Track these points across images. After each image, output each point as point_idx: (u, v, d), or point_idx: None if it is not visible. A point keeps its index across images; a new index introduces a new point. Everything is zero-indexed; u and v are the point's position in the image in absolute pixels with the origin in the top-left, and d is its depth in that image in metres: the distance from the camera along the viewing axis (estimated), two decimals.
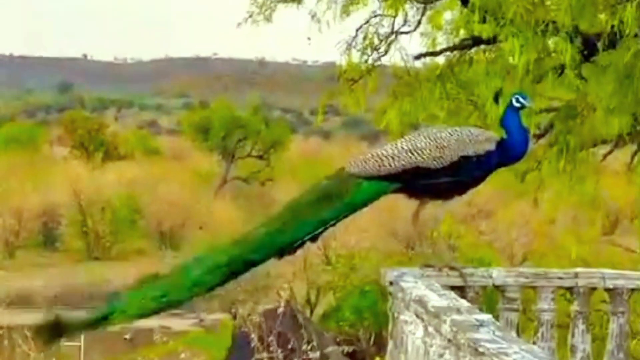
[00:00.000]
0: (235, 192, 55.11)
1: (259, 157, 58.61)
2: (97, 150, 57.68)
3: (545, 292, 8.73)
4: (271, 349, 11.37)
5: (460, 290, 8.17)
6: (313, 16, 13.90)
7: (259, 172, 57.63)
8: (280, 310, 12.17)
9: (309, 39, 14.42)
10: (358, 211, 7.49)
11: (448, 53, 13.99)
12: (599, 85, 12.75)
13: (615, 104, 12.63)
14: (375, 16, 13.97)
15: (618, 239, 30.81)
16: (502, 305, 8.63)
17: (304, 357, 11.98)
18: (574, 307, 8.86)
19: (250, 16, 14.70)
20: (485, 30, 12.69)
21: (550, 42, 12.90)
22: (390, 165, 7.47)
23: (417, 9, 13.90)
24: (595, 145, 14.36)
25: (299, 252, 7.58)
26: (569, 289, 8.91)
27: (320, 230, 7.39)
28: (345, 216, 7.43)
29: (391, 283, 8.09)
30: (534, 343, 8.53)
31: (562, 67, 12.80)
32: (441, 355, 6.53)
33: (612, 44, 12.44)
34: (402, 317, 7.78)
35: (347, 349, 19.82)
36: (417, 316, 7.22)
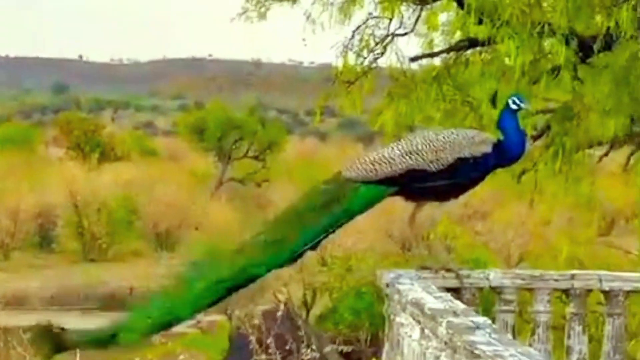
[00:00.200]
0: (232, 193, 55.01)
1: (255, 158, 58.54)
2: (93, 151, 57.55)
3: (541, 294, 8.73)
4: (270, 350, 11.36)
5: (457, 292, 8.17)
6: (308, 17, 13.90)
7: (255, 173, 57.54)
8: (279, 311, 12.16)
9: (304, 40, 14.42)
10: (358, 216, 7.48)
11: (444, 54, 14.00)
12: (595, 86, 12.76)
13: (611, 105, 12.65)
14: (371, 18, 13.97)
15: (614, 240, 30.80)
16: (498, 307, 8.63)
17: (303, 358, 11.96)
18: (570, 308, 8.86)
19: (245, 12, 14.67)
20: (481, 32, 12.70)
21: (546, 43, 12.91)
22: (387, 169, 7.45)
23: (413, 10, 13.90)
24: (591, 146, 14.38)
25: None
26: (565, 291, 8.91)
27: (320, 238, 7.38)
28: (345, 222, 7.42)
29: (387, 285, 8.08)
30: (530, 345, 8.52)
31: (558, 69, 12.81)
32: (437, 358, 6.53)
33: (608, 46, 12.46)
34: (398, 319, 7.78)
35: (345, 348, 19.81)
36: (414, 318, 7.22)
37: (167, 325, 7.21)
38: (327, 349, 18.88)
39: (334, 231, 7.40)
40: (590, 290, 8.90)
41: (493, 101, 7.68)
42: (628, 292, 8.91)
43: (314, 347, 11.87)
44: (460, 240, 28.97)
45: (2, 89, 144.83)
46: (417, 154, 7.47)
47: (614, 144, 14.60)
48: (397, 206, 8.04)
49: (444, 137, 7.56)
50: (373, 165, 7.47)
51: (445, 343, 6.28)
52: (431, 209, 7.90)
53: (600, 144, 14.53)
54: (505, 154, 7.71)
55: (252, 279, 7.29)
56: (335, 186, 7.50)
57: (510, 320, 8.60)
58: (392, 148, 7.56)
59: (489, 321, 6.46)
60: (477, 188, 7.97)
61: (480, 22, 12.64)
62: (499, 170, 8.17)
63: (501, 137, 7.71)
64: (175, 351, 12.48)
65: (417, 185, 7.54)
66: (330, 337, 25.35)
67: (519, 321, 8.98)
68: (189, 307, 7.20)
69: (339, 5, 13.71)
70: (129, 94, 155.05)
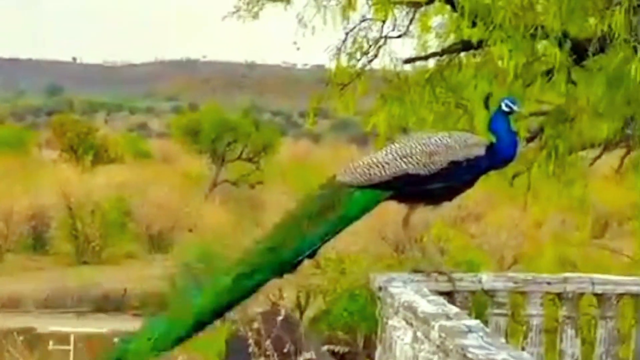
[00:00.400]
0: (225, 195, 54.94)
1: (249, 160, 58.48)
2: (86, 153, 57.46)
3: (534, 297, 8.73)
4: (268, 352, 11.34)
5: (449, 295, 8.17)
6: (300, 20, 13.90)
7: (248, 175, 57.47)
8: (276, 313, 12.14)
9: (295, 43, 14.42)
10: (355, 222, 7.49)
11: (438, 57, 14.01)
12: (588, 89, 12.77)
13: (604, 108, 12.66)
14: (364, 20, 13.98)
15: (608, 243, 30.86)
16: (491, 310, 8.63)
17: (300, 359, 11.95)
18: (563, 312, 8.87)
19: (237, 11, 14.65)
20: (474, 35, 12.71)
21: (540, 46, 12.93)
22: (381, 173, 7.45)
23: (407, 13, 13.91)
24: (584, 149, 14.40)
25: None
26: (558, 295, 8.91)
27: (318, 246, 7.39)
28: (343, 228, 7.42)
29: (380, 288, 8.08)
30: (523, 348, 8.54)
31: (552, 71, 12.82)
32: None
33: (601, 49, 12.47)
34: (391, 322, 7.78)
35: (341, 349, 19.80)
36: (406, 322, 7.22)
37: (172, 345, 7.22)
38: (324, 348, 18.86)
39: (330, 238, 7.41)
40: (582, 294, 8.91)
41: (486, 104, 7.68)
42: (620, 295, 8.92)
43: (312, 352, 11.86)
44: (453, 242, 28.99)
45: None
46: (411, 157, 7.48)
47: (607, 146, 14.63)
48: (390, 209, 8.04)
49: (437, 141, 7.56)
50: (367, 169, 7.47)
51: (438, 346, 6.28)
52: (425, 212, 7.91)
53: (593, 146, 14.55)
54: (497, 156, 7.72)
55: (252, 291, 7.31)
56: (330, 192, 7.50)
57: (502, 323, 8.60)
58: (386, 152, 7.56)
59: (482, 324, 6.46)
60: (471, 190, 7.98)
61: (473, 24, 12.64)
62: (493, 173, 8.18)
63: (493, 140, 7.72)
64: (174, 353, 12.50)
65: (411, 188, 7.54)
66: (325, 339, 25.34)
67: (511, 324, 8.98)
68: (190, 325, 7.22)
69: (332, 8, 13.71)
70: (123, 96, 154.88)
